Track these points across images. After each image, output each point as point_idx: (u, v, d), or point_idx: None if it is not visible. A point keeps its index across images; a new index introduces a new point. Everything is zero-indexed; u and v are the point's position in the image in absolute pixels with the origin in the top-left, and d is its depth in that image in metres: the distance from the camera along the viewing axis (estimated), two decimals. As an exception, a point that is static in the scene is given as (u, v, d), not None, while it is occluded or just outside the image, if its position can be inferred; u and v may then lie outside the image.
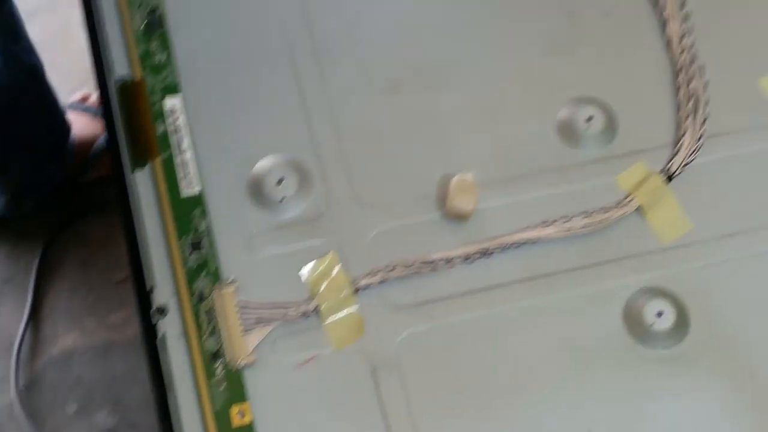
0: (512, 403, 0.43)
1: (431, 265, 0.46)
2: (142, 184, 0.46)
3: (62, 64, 1.10)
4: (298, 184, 0.46)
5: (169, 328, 0.43)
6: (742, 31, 0.53)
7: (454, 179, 0.47)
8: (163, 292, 0.44)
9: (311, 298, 0.44)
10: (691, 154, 0.49)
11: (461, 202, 0.46)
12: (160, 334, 0.43)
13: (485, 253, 0.46)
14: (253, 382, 0.43)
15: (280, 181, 0.46)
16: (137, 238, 0.45)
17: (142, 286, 0.45)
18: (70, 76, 1.07)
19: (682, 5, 0.52)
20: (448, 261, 0.46)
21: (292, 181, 0.46)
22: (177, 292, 0.44)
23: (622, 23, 0.52)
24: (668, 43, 0.52)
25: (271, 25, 0.50)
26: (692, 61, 0.51)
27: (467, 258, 0.46)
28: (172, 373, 0.43)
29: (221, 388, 0.43)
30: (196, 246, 0.45)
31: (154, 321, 0.44)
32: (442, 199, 0.47)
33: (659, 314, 0.45)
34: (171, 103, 0.47)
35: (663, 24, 0.52)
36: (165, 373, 0.43)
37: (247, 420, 0.42)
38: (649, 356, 0.45)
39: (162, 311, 0.44)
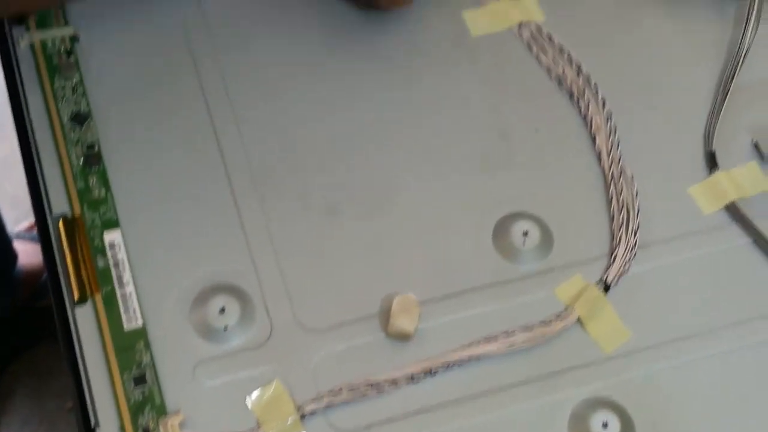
0: None
1: (376, 387, 0.46)
2: (84, 319, 0.46)
3: (8, 192, 1.10)
4: (240, 312, 0.47)
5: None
6: (669, 143, 0.54)
7: (396, 300, 0.47)
8: (107, 430, 0.44)
9: (258, 426, 0.44)
10: (625, 264, 0.50)
11: (403, 322, 0.47)
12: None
13: (429, 373, 0.47)
14: None
15: (222, 310, 0.47)
16: (80, 374, 0.45)
17: (87, 422, 0.44)
18: (16, 205, 1.08)
19: (608, 119, 0.54)
20: (393, 382, 0.46)
21: (235, 309, 0.47)
22: (121, 428, 0.44)
23: (552, 139, 0.54)
24: (598, 156, 0.54)
25: (209, 156, 0.51)
26: (621, 173, 0.53)
27: (412, 378, 0.46)
28: None
29: None
30: (139, 380, 0.45)
31: (98, 458, 0.44)
32: (385, 319, 0.47)
33: (605, 425, 0.46)
34: (110, 237, 0.48)
35: (592, 138, 0.54)
36: None
37: None
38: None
39: (106, 448, 0.44)
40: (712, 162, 0.54)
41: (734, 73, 0.56)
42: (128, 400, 0.44)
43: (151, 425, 0.44)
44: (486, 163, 0.53)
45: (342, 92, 0.54)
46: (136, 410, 0.44)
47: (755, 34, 0.56)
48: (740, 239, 0.52)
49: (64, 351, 0.46)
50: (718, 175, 0.53)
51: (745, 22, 0.56)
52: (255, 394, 0.45)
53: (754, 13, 0.56)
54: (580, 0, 0.59)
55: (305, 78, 0.54)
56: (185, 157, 0.51)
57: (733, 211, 0.52)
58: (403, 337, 0.47)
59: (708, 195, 0.53)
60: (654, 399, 0.47)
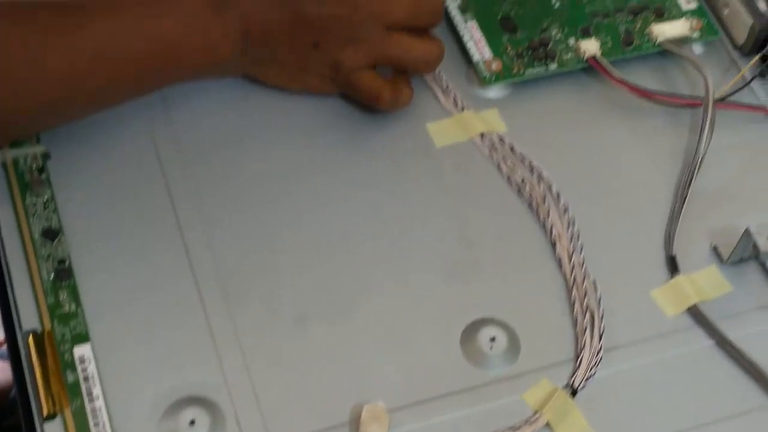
0: None
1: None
2: (53, 435, 0.46)
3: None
4: (210, 424, 0.47)
5: None
6: (631, 247, 0.56)
7: (365, 408, 0.48)
8: None
9: None
10: (591, 368, 0.51)
11: (373, 431, 0.47)
12: None
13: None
14: None
15: (192, 423, 0.47)
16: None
17: None
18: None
19: (570, 224, 0.56)
20: (364, 491, 0.46)
21: (204, 421, 0.47)
22: None
23: (515, 246, 0.56)
24: (559, 262, 0.55)
25: (178, 266, 0.52)
26: (584, 278, 0.54)
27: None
28: None
29: None
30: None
31: None
32: (355, 428, 0.48)
33: None
34: (81, 351, 0.48)
35: (552, 244, 0.55)
36: None
37: None
38: None
39: None
40: (673, 266, 0.55)
41: (691, 179, 0.58)
42: None
43: None
44: (452, 270, 0.54)
45: (308, 200, 0.56)
46: None
47: (709, 141, 0.58)
48: (704, 341, 0.53)
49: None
50: (680, 278, 0.55)
51: (699, 130, 0.59)
52: (225, 506, 0.46)
53: (708, 122, 0.59)
54: (542, 111, 0.61)
55: (272, 185, 0.56)
56: (155, 269, 0.52)
57: (695, 313, 0.54)
58: (373, 446, 0.48)
59: (670, 298, 0.54)
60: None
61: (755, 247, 0.54)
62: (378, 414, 0.48)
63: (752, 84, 0.63)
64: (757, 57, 0.62)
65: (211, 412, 0.48)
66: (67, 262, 0.51)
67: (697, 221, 0.57)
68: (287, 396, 0.49)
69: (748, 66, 0.62)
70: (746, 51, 0.64)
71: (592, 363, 0.51)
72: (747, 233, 0.54)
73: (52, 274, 0.50)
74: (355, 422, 0.48)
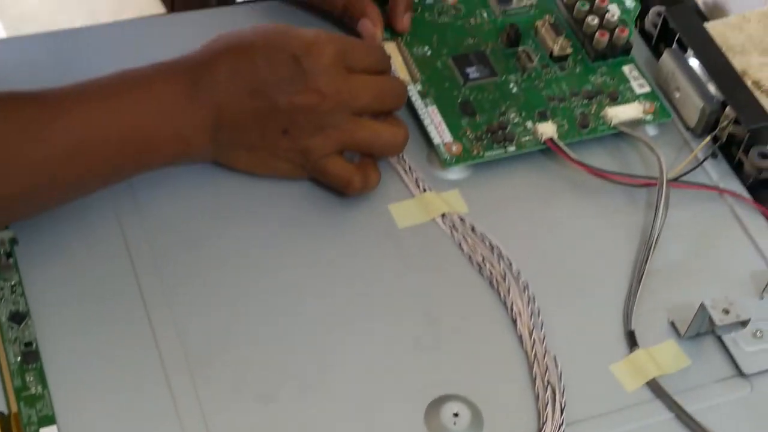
0: None
1: None
2: None
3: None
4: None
5: None
6: (590, 323, 0.58)
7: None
8: None
9: None
10: (551, 444, 0.52)
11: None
12: None
13: None
14: None
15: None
16: None
17: None
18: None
19: (530, 301, 0.57)
20: None
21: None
22: None
23: (477, 323, 0.57)
24: (520, 339, 0.57)
25: (144, 346, 0.53)
26: (545, 354, 0.55)
27: None
28: None
29: None
30: None
31: None
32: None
33: None
34: (46, 434, 0.49)
35: (513, 321, 0.57)
36: None
37: None
38: None
39: None
40: (631, 341, 0.57)
41: (647, 256, 0.60)
42: None
43: None
44: (415, 347, 0.56)
45: (273, 280, 0.57)
46: None
47: (664, 219, 0.61)
48: (663, 414, 0.55)
49: None
50: (638, 353, 0.56)
51: (655, 209, 0.61)
52: None
53: (662, 201, 0.61)
54: (502, 192, 0.63)
55: (238, 266, 0.57)
56: (121, 350, 0.53)
57: (654, 387, 0.55)
58: None
59: (629, 372, 0.56)
60: None
61: (711, 321, 0.55)
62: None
63: (705, 164, 0.65)
64: (708, 138, 0.65)
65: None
66: (33, 345, 0.52)
67: (654, 297, 0.59)
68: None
69: (700, 147, 0.65)
70: (698, 132, 0.67)
71: (551, 441, 0.52)
72: (702, 308, 0.55)
73: (19, 357, 0.51)
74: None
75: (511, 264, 0.59)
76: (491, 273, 0.59)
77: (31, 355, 0.51)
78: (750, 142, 0.64)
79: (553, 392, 0.54)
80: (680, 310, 0.58)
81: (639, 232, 0.62)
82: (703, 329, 0.57)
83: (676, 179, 0.63)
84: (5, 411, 0.49)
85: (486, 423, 0.53)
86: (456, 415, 0.53)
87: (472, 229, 0.60)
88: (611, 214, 0.63)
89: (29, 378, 0.51)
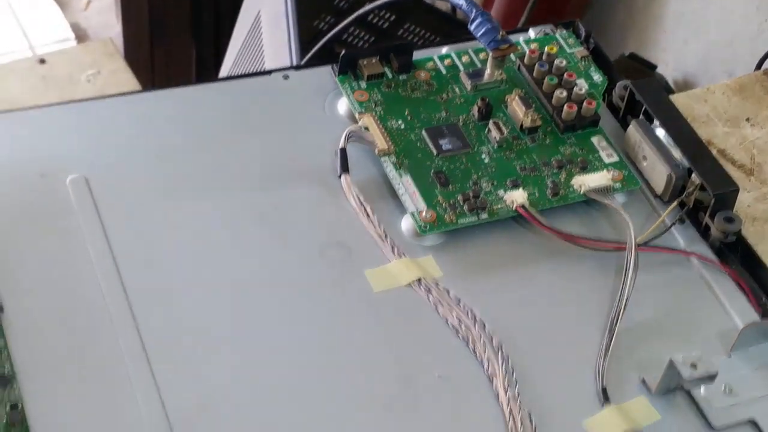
0: None
1: None
2: None
3: None
4: None
5: None
6: (563, 381, 0.63)
7: None
8: None
9: None
10: (529, 495, 0.57)
11: None
12: None
13: None
14: None
15: None
16: None
17: None
18: None
19: (505, 360, 0.63)
20: None
21: None
22: None
23: (453, 382, 0.62)
24: (497, 396, 0.62)
25: (130, 410, 0.58)
26: (519, 411, 0.61)
27: None
28: None
29: None
30: None
31: None
32: None
33: None
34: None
35: (489, 379, 0.62)
36: None
37: None
38: None
39: None
40: (604, 397, 0.62)
41: (618, 317, 0.65)
42: None
43: None
44: (391, 408, 0.60)
45: (249, 341, 0.62)
46: None
47: (634, 282, 0.66)
48: (636, 469, 0.60)
49: None
50: (611, 408, 0.61)
51: (624, 271, 0.67)
52: None
53: (632, 264, 0.67)
54: (475, 257, 0.69)
55: (220, 330, 0.63)
56: (107, 412, 0.58)
57: (627, 442, 0.60)
58: None
59: (602, 428, 0.61)
60: None
61: (679, 375, 0.61)
62: None
63: (672, 229, 0.71)
64: (674, 204, 0.71)
65: None
66: (19, 407, 0.57)
67: (625, 355, 0.64)
68: None
69: (667, 212, 0.71)
70: (665, 199, 0.73)
71: (530, 494, 0.57)
72: (671, 364, 0.61)
73: (5, 419, 0.56)
74: None
75: (485, 325, 0.64)
76: (467, 334, 0.64)
77: (16, 416, 0.56)
78: (716, 207, 0.70)
79: (527, 457, 0.59)
80: (650, 368, 0.63)
81: (609, 294, 0.68)
82: (672, 385, 0.62)
83: (644, 243, 0.69)
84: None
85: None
86: (433, 472, 0.57)
87: (447, 293, 0.66)
88: (582, 278, 0.69)
89: (15, 438, 0.55)
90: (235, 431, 0.58)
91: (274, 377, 0.61)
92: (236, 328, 0.63)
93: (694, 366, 0.60)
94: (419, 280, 0.67)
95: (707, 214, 0.71)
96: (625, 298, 0.66)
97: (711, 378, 0.61)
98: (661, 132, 0.73)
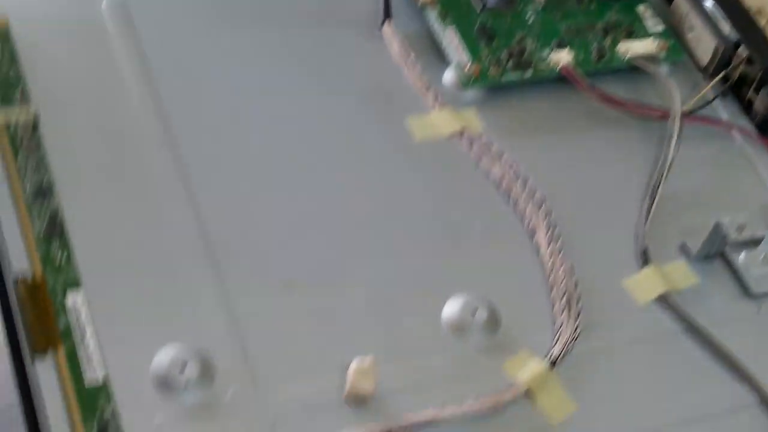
0: None
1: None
2: (45, 374, 0.50)
3: None
4: (200, 371, 0.51)
5: None
6: (604, 240, 0.63)
7: (354, 363, 0.53)
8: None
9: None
10: (568, 344, 0.57)
11: (362, 383, 0.52)
12: None
13: (385, 435, 0.52)
14: None
15: (182, 369, 0.51)
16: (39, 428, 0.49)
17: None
18: None
19: (547, 215, 0.62)
20: (353, 442, 0.51)
21: (195, 368, 0.51)
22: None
23: (495, 235, 0.61)
24: (537, 250, 0.61)
25: (169, 221, 0.57)
26: (562, 264, 0.60)
27: (370, 440, 0.51)
28: None
29: None
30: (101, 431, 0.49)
31: None
32: (344, 384, 0.53)
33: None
34: (73, 299, 0.52)
35: (530, 233, 0.62)
36: None
37: None
38: None
39: None
40: (644, 258, 0.62)
41: (661, 181, 0.65)
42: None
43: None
44: (434, 250, 0.60)
45: (294, 178, 0.61)
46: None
47: (678, 150, 0.66)
48: (672, 326, 0.59)
49: (23, 409, 0.50)
50: (650, 269, 0.61)
51: (668, 137, 0.66)
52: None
53: (676, 131, 0.66)
54: (517, 115, 0.68)
55: (262, 155, 0.62)
56: (145, 223, 0.56)
57: (664, 301, 0.60)
58: (361, 400, 0.52)
59: (641, 287, 0.60)
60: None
61: (723, 241, 0.61)
62: (367, 368, 0.53)
63: (714, 103, 0.71)
64: (720, 76, 0.71)
65: (200, 359, 0.52)
66: (58, 218, 0.55)
67: (666, 221, 0.64)
68: (275, 351, 0.53)
69: (712, 83, 0.70)
70: (709, 72, 0.72)
71: (569, 339, 0.57)
72: (717, 226, 0.60)
73: (44, 229, 0.55)
74: (344, 378, 0.53)
75: (526, 181, 0.63)
76: (508, 188, 0.63)
77: (55, 227, 0.55)
78: (762, 81, 0.69)
79: (569, 299, 0.58)
80: (690, 235, 0.63)
81: (651, 162, 0.67)
82: (713, 250, 0.62)
83: (689, 113, 0.68)
84: (29, 274, 0.52)
85: (504, 322, 0.57)
86: (474, 312, 0.57)
87: (489, 147, 0.65)
88: (624, 144, 0.68)
89: (54, 248, 0.54)
90: (273, 263, 0.57)
91: (313, 215, 0.60)
92: (276, 163, 0.62)
93: (740, 229, 0.60)
94: (461, 132, 0.66)
95: (752, 88, 0.70)
96: (668, 163, 0.65)
97: (756, 242, 0.61)
98: (708, 2, 0.72)
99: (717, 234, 0.61)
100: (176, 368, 0.51)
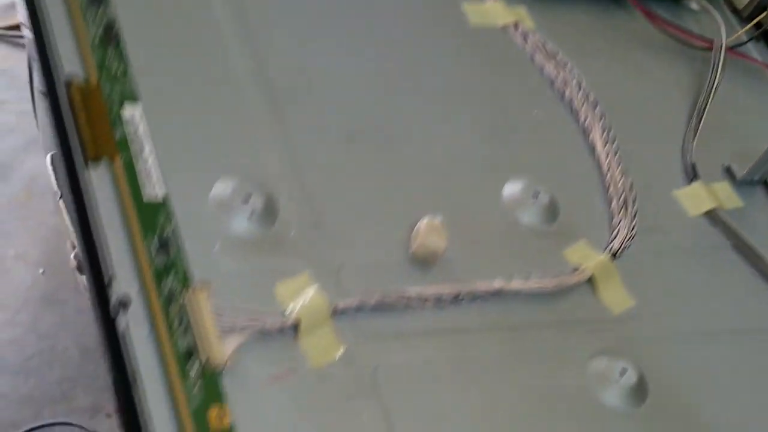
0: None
1: (405, 300, 0.47)
2: (99, 180, 0.45)
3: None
4: (264, 205, 0.47)
5: (134, 322, 0.42)
6: (653, 152, 0.61)
7: (424, 220, 0.49)
8: (124, 284, 0.42)
9: (288, 313, 0.44)
10: (627, 240, 0.55)
11: (433, 240, 0.49)
12: (122, 329, 0.41)
13: (455, 298, 0.48)
14: (229, 388, 0.41)
15: (247, 199, 0.47)
16: (93, 235, 0.44)
17: (101, 285, 0.43)
18: None
19: (602, 117, 0.60)
20: (421, 299, 0.47)
21: (259, 201, 0.47)
22: (141, 284, 0.42)
23: (550, 130, 0.59)
24: (592, 150, 0.59)
25: (226, 69, 0.53)
26: (619, 164, 0.58)
27: (439, 300, 0.48)
28: (140, 372, 0.40)
29: (196, 389, 0.41)
30: (162, 246, 0.44)
31: (114, 315, 0.42)
32: (410, 240, 0.49)
33: (622, 372, 0.49)
34: (130, 111, 0.48)
35: (586, 134, 0.59)
36: (131, 375, 0.41)
37: (226, 423, 0.40)
38: (608, 413, 0.48)
39: (124, 304, 0.42)
40: (693, 173, 0.60)
41: (708, 101, 0.63)
42: (150, 263, 0.43)
43: (176, 291, 0.43)
44: (491, 134, 0.57)
45: (361, 39, 0.58)
46: (158, 276, 0.43)
47: (723, 76, 0.65)
48: (721, 240, 0.58)
49: (75, 215, 0.45)
50: (699, 184, 0.60)
51: (713, 62, 0.65)
52: (282, 283, 0.45)
53: (722, 53, 0.65)
54: (568, 26, 0.66)
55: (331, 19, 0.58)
56: (209, 60, 0.52)
57: (714, 217, 0.59)
58: (430, 257, 0.49)
59: (691, 200, 0.59)
60: (663, 360, 0.51)
61: (771, 168, 0.60)
62: (436, 228, 0.49)
63: (749, 45, 0.70)
64: (756, 19, 0.70)
65: (265, 196, 0.47)
66: (114, 27, 0.50)
67: (709, 146, 0.62)
68: (339, 201, 0.50)
69: (749, 26, 0.70)
70: (744, 15, 0.72)
71: (627, 237, 0.55)
72: (773, 148, 0.59)
73: (99, 36, 0.50)
74: (411, 235, 0.49)
75: (581, 83, 0.61)
76: (562, 88, 0.61)
77: (111, 36, 0.50)
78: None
79: (626, 199, 0.56)
80: (733, 160, 0.62)
81: (695, 88, 0.66)
82: (757, 176, 0.61)
83: (730, 48, 0.68)
84: (83, 77, 0.47)
85: (561, 211, 0.55)
86: (534, 196, 0.54)
87: (543, 45, 0.63)
88: (668, 66, 0.67)
89: (110, 56, 0.49)
90: (336, 115, 0.53)
91: (375, 77, 0.57)
92: (343, 25, 0.58)
93: (788, 157, 0.59)
94: (515, 24, 0.63)
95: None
96: (714, 87, 0.64)
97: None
98: (751, -50, 0.72)
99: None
100: (240, 197, 0.47)
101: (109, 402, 0.89)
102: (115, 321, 0.42)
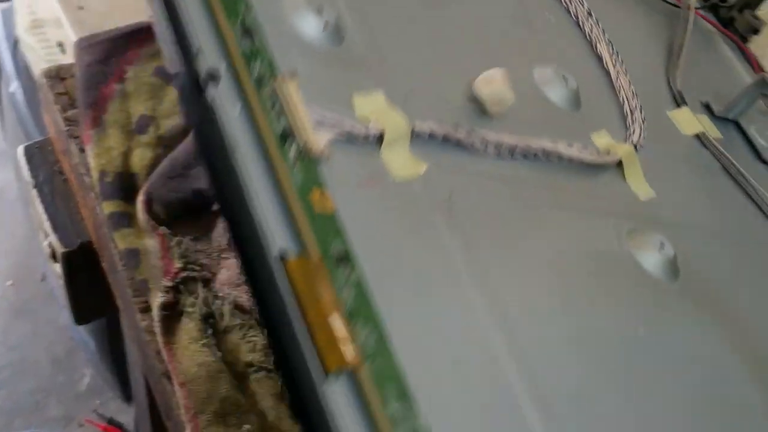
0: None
1: (472, 140, 0.45)
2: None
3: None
4: (336, 19, 0.44)
5: (225, 99, 0.38)
6: (644, 78, 0.61)
7: (494, 70, 0.48)
8: (212, 57, 0.38)
9: (369, 122, 0.42)
10: (641, 139, 0.55)
11: (505, 91, 0.47)
12: (210, 101, 0.37)
13: (511, 151, 0.47)
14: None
15: (320, 10, 0.44)
16: (177, 11, 0.40)
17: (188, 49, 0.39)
18: None
19: (605, 31, 0.60)
20: (484, 142, 0.45)
21: (332, 14, 0.44)
22: (229, 64, 0.39)
23: (557, 32, 0.59)
24: (600, 59, 0.59)
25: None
26: (626, 72, 0.58)
27: (498, 147, 0.46)
28: (238, 149, 0.37)
29: (296, 169, 0.37)
30: (246, 33, 0.40)
31: (204, 86, 0.38)
32: (473, 87, 0.47)
33: (661, 246, 0.48)
34: None
35: (593, 46, 0.59)
36: (228, 150, 0.37)
37: (329, 207, 0.37)
38: (648, 279, 0.47)
39: (213, 76, 0.38)
40: (681, 98, 0.61)
41: (683, 42, 0.65)
42: (236, 44, 0.40)
43: (265, 76, 0.39)
44: (514, 24, 0.57)
45: None
46: (247, 58, 0.39)
47: (693, 25, 0.67)
48: (712, 162, 0.59)
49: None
50: (687, 109, 0.61)
51: (684, 17, 0.67)
52: (362, 96, 0.43)
53: (692, 8, 0.67)
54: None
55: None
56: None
57: (704, 140, 0.60)
58: (496, 106, 0.47)
59: (684, 121, 0.60)
60: (690, 246, 0.51)
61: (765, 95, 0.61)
62: (505, 78, 0.48)
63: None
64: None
65: (336, 11, 0.45)
66: None
67: (689, 82, 0.64)
68: (401, 40, 0.48)
69: (708, -8, 0.73)
70: (700, -14, 0.74)
71: (641, 137, 0.55)
72: (763, 80, 0.61)
73: None
74: (479, 83, 0.48)
75: (590, 10, 0.61)
76: (577, 12, 0.61)
77: None
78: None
79: (636, 104, 0.57)
80: (713, 94, 0.64)
81: (669, 35, 0.67)
82: (732, 114, 0.63)
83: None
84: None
85: (583, 102, 0.54)
86: (565, 79, 0.54)
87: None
88: (643, 15, 0.68)
89: None
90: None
91: None
92: None
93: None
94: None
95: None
96: (687, 32, 0.66)
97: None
98: None
99: (754, 90, 0.61)
100: (314, 6, 0.44)
101: (80, 412, 0.84)
102: (204, 94, 0.38)
